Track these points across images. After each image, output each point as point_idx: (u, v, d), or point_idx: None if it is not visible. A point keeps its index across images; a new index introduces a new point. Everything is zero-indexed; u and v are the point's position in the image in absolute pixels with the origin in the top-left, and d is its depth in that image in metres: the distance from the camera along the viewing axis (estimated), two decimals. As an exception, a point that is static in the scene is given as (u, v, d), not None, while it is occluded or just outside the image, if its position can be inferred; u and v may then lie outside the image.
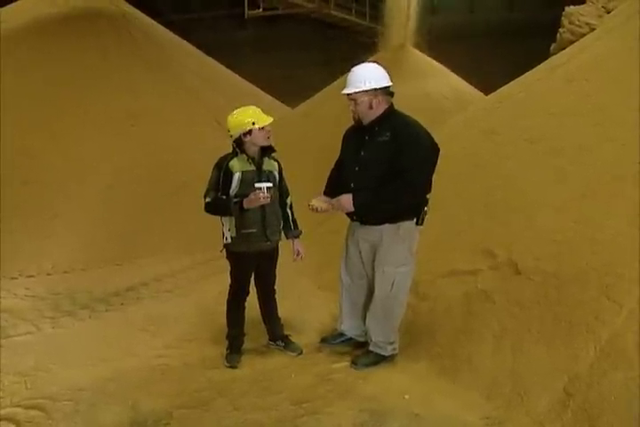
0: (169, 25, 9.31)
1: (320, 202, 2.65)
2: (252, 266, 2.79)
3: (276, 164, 2.77)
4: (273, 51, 14.60)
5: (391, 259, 2.60)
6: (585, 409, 2.14)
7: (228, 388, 2.58)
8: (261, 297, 2.92)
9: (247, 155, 2.65)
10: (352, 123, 2.69)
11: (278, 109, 8.73)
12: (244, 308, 2.86)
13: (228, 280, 2.82)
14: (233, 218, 2.64)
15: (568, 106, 3.99)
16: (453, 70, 8.41)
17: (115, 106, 6.07)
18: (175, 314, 3.53)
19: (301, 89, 7.97)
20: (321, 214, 3.14)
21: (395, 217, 2.56)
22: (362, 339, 2.90)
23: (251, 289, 2.90)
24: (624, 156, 3.17)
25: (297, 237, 2.86)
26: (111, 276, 4.31)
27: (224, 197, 2.62)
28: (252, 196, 2.54)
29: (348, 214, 2.69)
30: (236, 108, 2.70)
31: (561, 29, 6.22)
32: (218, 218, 2.73)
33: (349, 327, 2.90)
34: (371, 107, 2.49)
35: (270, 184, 2.58)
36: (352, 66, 2.63)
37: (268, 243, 2.74)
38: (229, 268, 2.80)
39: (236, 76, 9.20)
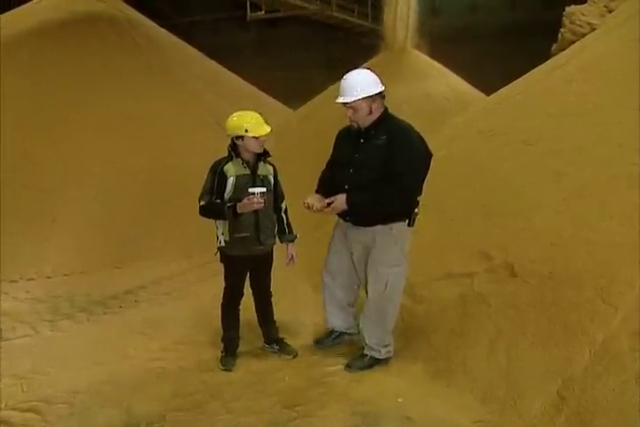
0: (171, 28, 9.36)
1: (315, 200, 2.66)
2: (245, 269, 2.80)
3: (271, 168, 2.77)
4: (275, 53, 14.63)
5: (384, 259, 2.62)
6: (578, 413, 2.13)
7: (222, 391, 2.58)
8: (257, 300, 2.93)
9: (242, 159, 2.66)
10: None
11: (280, 111, 8.75)
12: (238, 311, 2.87)
13: (223, 283, 2.82)
14: (227, 222, 2.64)
15: (567, 107, 3.97)
16: (455, 71, 8.39)
17: (116, 110, 6.09)
18: (172, 317, 3.54)
19: (303, 91, 7.99)
20: (317, 217, 3.16)
21: (387, 218, 2.59)
22: (352, 331, 2.94)
23: (247, 291, 2.91)
24: (620, 156, 3.15)
25: (291, 241, 2.86)
26: (110, 279, 4.33)
27: (218, 200, 2.63)
28: (245, 200, 2.54)
29: (341, 215, 2.70)
30: (239, 111, 2.71)
31: (562, 29, 6.20)
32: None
33: (339, 322, 2.95)
34: (370, 112, 2.52)
35: (264, 189, 2.58)
36: (353, 68, 2.67)
37: (262, 247, 2.74)
38: (223, 271, 2.81)
39: (239, 78, 9.22)
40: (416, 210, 2.66)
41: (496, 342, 2.64)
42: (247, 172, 2.65)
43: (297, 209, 2.92)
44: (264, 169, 2.72)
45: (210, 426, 2.31)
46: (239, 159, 2.65)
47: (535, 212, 3.23)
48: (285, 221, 2.84)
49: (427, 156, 2.59)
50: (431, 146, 2.64)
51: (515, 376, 2.42)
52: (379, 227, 2.59)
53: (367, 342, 2.76)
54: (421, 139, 2.58)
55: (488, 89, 6.50)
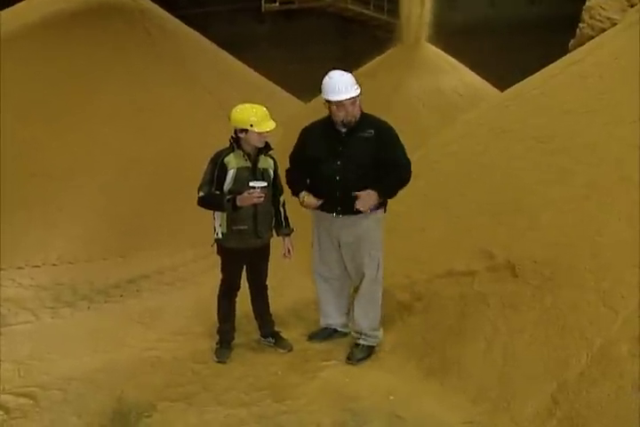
0: (186, 18, 9.35)
1: (312, 198, 2.72)
2: (242, 262, 2.79)
3: (272, 161, 2.75)
4: (290, 45, 14.54)
5: (374, 244, 2.79)
6: (571, 418, 2.08)
7: (214, 383, 2.59)
8: (253, 293, 2.92)
9: (243, 151, 2.64)
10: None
11: (290, 104, 8.72)
12: (234, 303, 2.87)
13: (219, 275, 2.82)
14: (225, 214, 2.63)
15: (580, 103, 3.88)
16: (471, 66, 8.25)
17: (126, 100, 6.12)
18: (172, 307, 3.56)
19: (317, 84, 7.91)
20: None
21: (380, 205, 2.75)
22: (346, 329, 3.01)
23: (246, 284, 2.91)
24: (632, 156, 3.06)
25: (288, 234, 2.85)
26: (114, 268, 4.37)
27: (217, 192, 2.61)
28: (245, 194, 2.53)
29: (326, 209, 2.72)
30: (246, 103, 2.69)
31: (581, 24, 6.00)
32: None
33: (334, 319, 3.02)
34: (360, 108, 2.67)
35: (265, 184, 2.58)
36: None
37: (259, 240, 2.73)
38: (220, 263, 2.80)
39: (251, 70, 9.19)
40: None
41: (492, 342, 2.59)
42: (248, 164, 2.64)
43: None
44: (265, 162, 2.70)
45: (199, 417, 2.32)
46: (240, 151, 2.63)
47: (542, 211, 3.16)
48: (283, 215, 2.83)
49: None
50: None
51: (509, 377, 2.37)
52: (365, 215, 2.70)
53: (361, 329, 2.83)
54: None
55: (504, 85, 6.38)
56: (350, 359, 2.77)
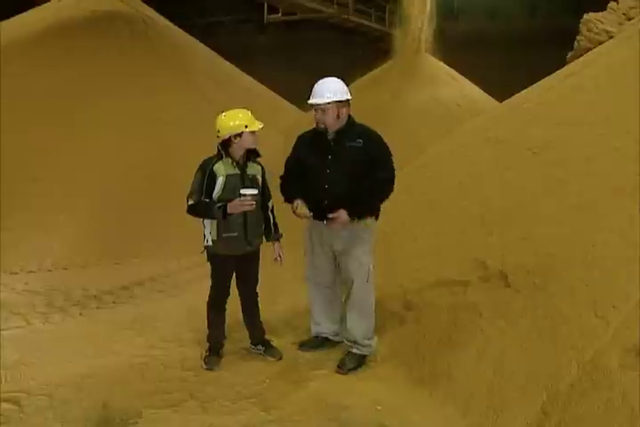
0: (190, 29, 9.46)
1: (304, 209, 2.71)
2: (232, 269, 2.78)
3: (259, 167, 2.76)
4: (292, 55, 14.66)
5: (364, 250, 2.77)
6: (560, 430, 2.05)
7: (201, 390, 2.56)
8: (243, 301, 2.90)
9: (232, 158, 2.64)
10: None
11: (291, 112, 8.77)
12: (224, 310, 2.85)
13: (202, 282, 2.81)
14: (215, 221, 2.63)
15: (575, 115, 3.89)
16: (471, 77, 8.30)
17: (127, 107, 6.16)
18: (163, 314, 3.54)
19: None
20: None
21: (366, 213, 2.74)
22: (337, 338, 2.99)
23: (234, 292, 2.89)
24: (625, 167, 3.06)
25: (277, 240, 2.84)
26: (108, 274, 4.36)
27: (207, 200, 2.62)
28: (237, 202, 2.53)
29: (317, 216, 2.71)
30: (227, 111, 2.69)
31: (578, 37, 6.05)
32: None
33: (325, 327, 2.99)
34: (338, 117, 2.66)
35: (256, 191, 2.59)
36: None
37: (250, 246, 2.73)
38: (210, 270, 2.80)
39: (252, 79, 9.27)
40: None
41: (483, 353, 2.56)
42: (237, 171, 2.64)
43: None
44: (253, 169, 2.71)
45: (184, 425, 2.29)
46: (229, 159, 2.63)
47: (534, 221, 3.15)
48: (272, 221, 2.83)
49: None
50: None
51: (499, 389, 2.34)
52: (355, 222, 2.69)
53: (354, 338, 2.80)
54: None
55: (503, 96, 6.40)
56: (341, 368, 2.74)
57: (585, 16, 5.98)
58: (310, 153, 2.76)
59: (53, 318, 3.49)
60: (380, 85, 7.16)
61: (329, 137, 2.70)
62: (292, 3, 11.10)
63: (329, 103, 2.61)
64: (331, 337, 3.01)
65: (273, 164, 5.02)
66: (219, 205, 2.56)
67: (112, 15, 7.46)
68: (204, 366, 2.80)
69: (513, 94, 5.37)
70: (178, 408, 2.40)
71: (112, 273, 4.40)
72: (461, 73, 8.36)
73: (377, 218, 2.83)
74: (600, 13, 5.97)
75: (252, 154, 2.69)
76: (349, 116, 2.73)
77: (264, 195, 2.76)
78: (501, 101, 6.17)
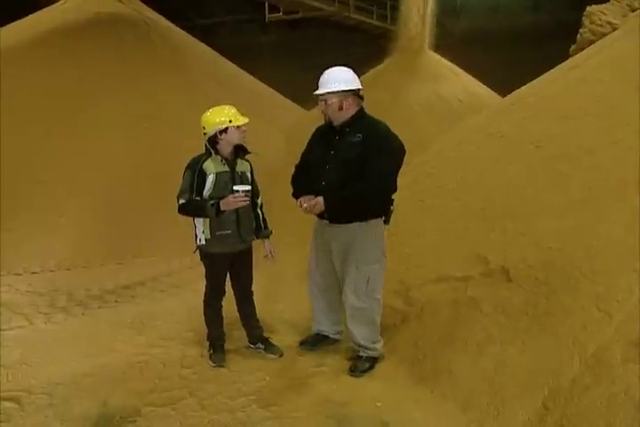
0: (192, 29, 9.49)
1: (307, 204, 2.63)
2: (226, 266, 2.76)
3: (248, 164, 2.74)
4: (294, 54, 14.67)
5: (364, 257, 2.61)
6: (562, 425, 2.01)
7: (200, 388, 2.55)
8: (239, 300, 2.89)
9: (221, 155, 2.62)
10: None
11: (293, 111, 8.76)
12: (220, 308, 2.84)
13: (204, 282, 2.80)
14: (207, 219, 2.61)
15: (579, 108, 3.84)
16: (474, 73, 8.24)
17: (129, 108, 6.18)
18: (164, 313, 3.54)
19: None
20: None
21: (364, 216, 2.58)
22: (338, 336, 2.95)
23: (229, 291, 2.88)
24: (629, 159, 3.01)
25: (267, 237, 2.83)
26: (111, 274, 4.37)
27: (198, 198, 2.60)
28: (230, 198, 2.51)
29: (318, 214, 2.66)
30: (214, 107, 2.66)
31: (581, 29, 5.98)
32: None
33: (326, 326, 2.93)
34: (340, 108, 2.52)
35: (249, 187, 2.57)
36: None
37: (243, 244, 2.72)
38: (204, 269, 2.78)
39: (254, 79, 9.27)
40: (391, 207, 2.66)
41: (484, 349, 2.53)
42: (226, 169, 2.62)
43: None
44: (242, 166, 2.69)
45: (181, 422, 2.28)
46: (218, 156, 2.61)
47: (537, 215, 3.11)
48: (261, 217, 2.81)
49: (401, 153, 2.58)
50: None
51: (500, 385, 2.31)
52: (356, 224, 2.58)
53: (360, 343, 2.72)
54: (396, 137, 2.58)
55: (506, 91, 6.34)
56: (353, 371, 2.65)
57: (588, 8, 5.91)
58: (318, 147, 2.67)
59: (56, 318, 3.50)
60: (382, 82, 7.12)
61: (335, 131, 2.57)
62: (292, 1, 11.10)
63: (330, 93, 2.48)
64: (331, 335, 2.97)
65: (274, 163, 5.03)
66: (211, 202, 2.55)
67: (115, 17, 7.49)
68: (212, 364, 2.78)
69: (516, 89, 5.31)
70: (177, 406, 2.40)
71: (115, 273, 4.41)
72: (464, 69, 8.30)
73: (387, 222, 2.66)
74: (603, 5, 5.90)
75: (240, 151, 2.67)
76: (361, 108, 2.57)
77: (253, 192, 2.73)
78: (504, 96, 6.12)
